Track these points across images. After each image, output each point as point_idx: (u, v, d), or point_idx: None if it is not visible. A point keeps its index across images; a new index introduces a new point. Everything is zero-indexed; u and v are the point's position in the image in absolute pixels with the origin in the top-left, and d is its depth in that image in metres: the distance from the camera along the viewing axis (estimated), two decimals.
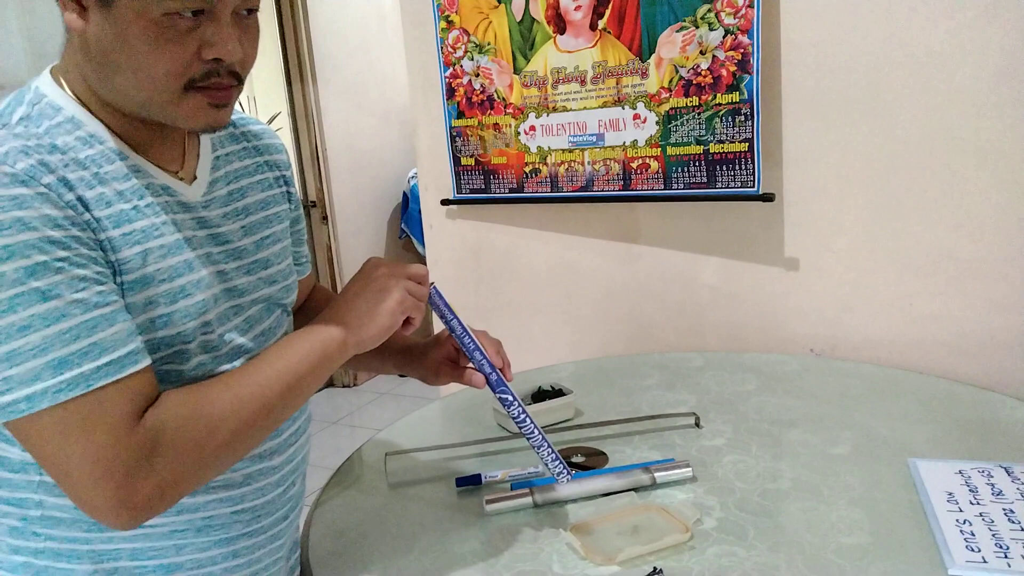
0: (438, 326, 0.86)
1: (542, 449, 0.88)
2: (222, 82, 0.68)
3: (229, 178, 0.81)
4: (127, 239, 0.67)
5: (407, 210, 3.83)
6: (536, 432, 0.88)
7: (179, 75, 0.66)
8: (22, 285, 0.59)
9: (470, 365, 0.90)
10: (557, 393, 1.24)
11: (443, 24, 1.76)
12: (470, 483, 1.03)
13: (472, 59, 1.73)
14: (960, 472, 0.94)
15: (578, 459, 1.07)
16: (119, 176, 0.68)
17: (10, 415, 0.61)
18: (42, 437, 0.61)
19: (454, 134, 1.81)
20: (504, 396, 0.88)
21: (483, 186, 1.81)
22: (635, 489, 0.97)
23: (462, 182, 1.84)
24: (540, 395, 1.24)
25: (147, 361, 0.66)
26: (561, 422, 1.20)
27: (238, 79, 0.69)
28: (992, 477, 0.92)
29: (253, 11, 0.70)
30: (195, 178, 0.77)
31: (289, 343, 0.74)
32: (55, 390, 0.60)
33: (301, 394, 0.74)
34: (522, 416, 0.88)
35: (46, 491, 0.70)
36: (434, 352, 0.94)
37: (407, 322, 0.81)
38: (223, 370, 0.74)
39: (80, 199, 0.64)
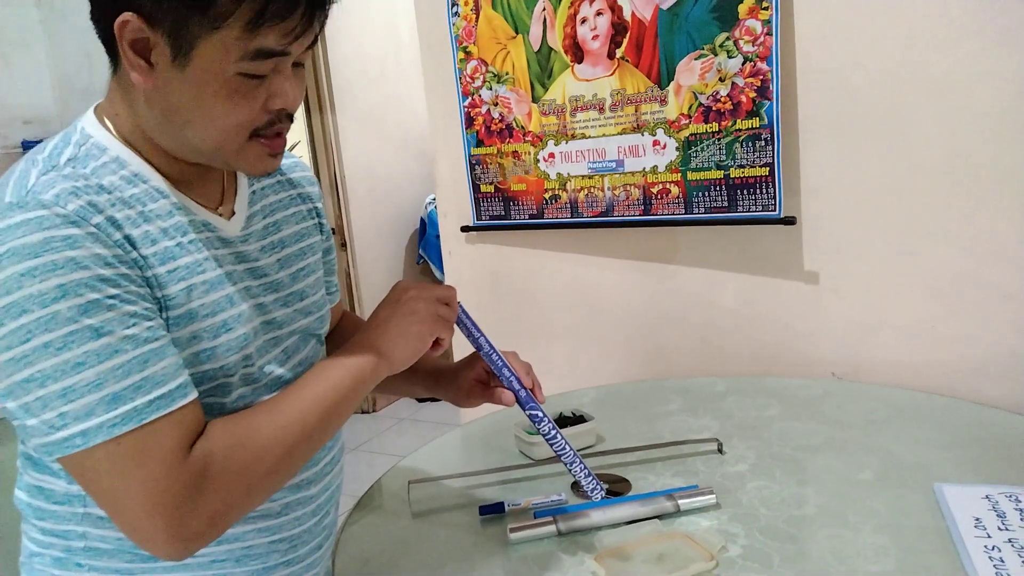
0: (461, 344, 0.87)
1: (574, 465, 0.89)
2: (283, 127, 0.71)
3: (265, 212, 0.83)
4: (172, 276, 0.68)
5: (424, 236, 3.87)
6: (567, 449, 0.88)
7: (248, 126, 0.69)
8: (76, 323, 0.60)
9: (500, 384, 0.91)
10: (578, 419, 1.24)
11: (461, 55, 1.79)
12: (493, 511, 1.03)
13: (490, 88, 1.76)
14: (987, 497, 0.93)
15: (603, 486, 1.07)
16: (163, 214, 0.70)
17: (66, 450, 0.62)
18: (96, 471, 0.62)
19: (473, 162, 1.84)
20: (534, 413, 0.88)
21: (503, 212, 1.83)
22: (659, 516, 0.96)
23: (482, 209, 1.86)
24: (561, 421, 1.24)
25: (195, 394, 0.67)
26: (583, 448, 1.20)
27: (292, 119, 0.73)
28: (1020, 502, 0.91)
29: (304, 62, 0.73)
30: (233, 213, 0.79)
31: (324, 369, 0.76)
32: (110, 425, 0.61)
33: (339, 418, 0.75)
34: (553, 433, 0.88)
35: (90, 523, 0.72)
36: (465, 374, 0.95)
37: (436, 343, 0.82)
38: (263, 400, 0.75)
39: (127, 238, 0.66)
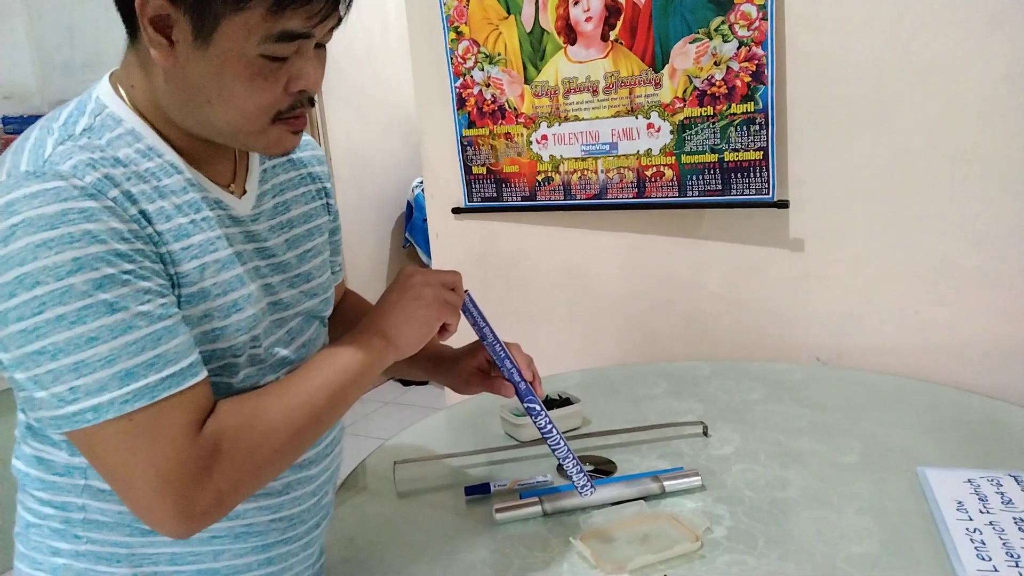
0: (463, 331, 0.87)
1: (567, 461, 0.89)
2: (304, 111, 0.70)
3: (275, 191, 0.82)
4: (186, 253, 0.68)
5: (411, 219, 3.84)
6: (561, 444, 0.88)
7: (270, 109, 0.68)
8: (90, 297, 0.59)
9: (500, 375, 0.90)
10: (565, 402, 1.24)
11: (452, 35, 1.77)
12: (479, 492, 1.03)
13: (482, 69, 1.74)
14: (969, 481, 0.94)
15: (587, 468, 1.07)
16: (177, 189, 0.69)
17: (76, 424, 0.61)
18: (106, 447, 0.62)
19: (465, 143, 1.82)
20: (532, 406, 0.88)
21: (495, 194, 1.82)
22: (644, 498, 0.97)
23: (473, 191, 1.85)
24: (548, 403, 1.24)
25: (205, 373, 0.66)
26: (569, 431, 1.21)
27: (313, 103, 0.72)
28: (1001, 486, 0.92)
29: (326, 42, 0.72)
30: (245, 192, 0.78)
31: (332, 353, 0.75)
32: (121, 401, 0.61)
33: (345, 402, 0.75)
34: (549, 427, 0.88)
35: (90, 495, 0.71)
36: (466, 362, 0.95)
37: (443, 328, 0.82)
38: (268, 382, 0.75)
39: (143, 213, 0.65)
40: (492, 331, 0.88)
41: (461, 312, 0.84)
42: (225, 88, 0.65)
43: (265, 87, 0.66)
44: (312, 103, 0.71)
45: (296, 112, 0.70)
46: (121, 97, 0.70)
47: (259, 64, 0.65)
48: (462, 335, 0.89)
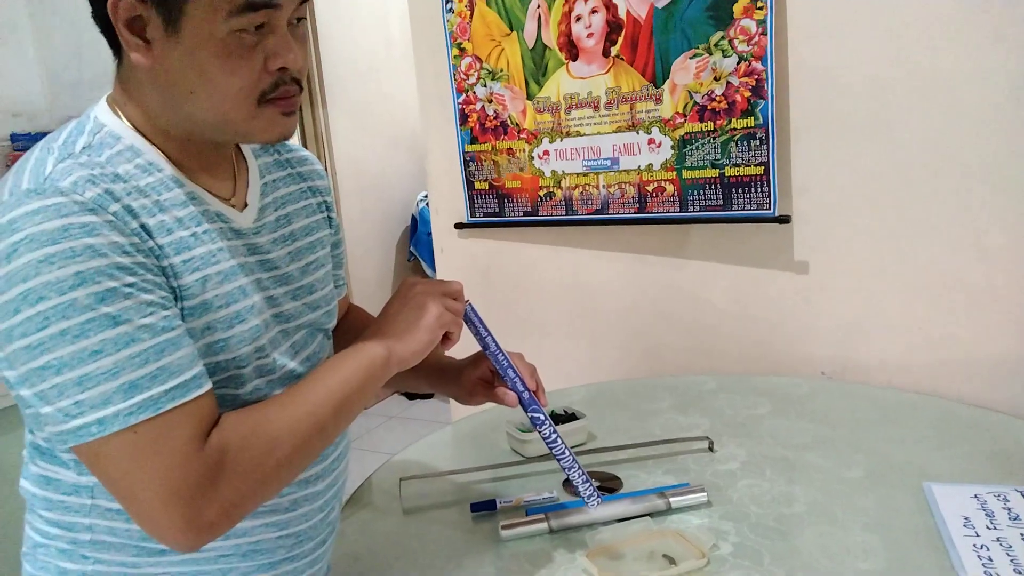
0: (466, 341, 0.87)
1: (572, 471, 0.88)
2: (289, 90, 0.71)
3: (277, 204, 0.83)
4: (187, 266, 0.68)
5: (416, 233, 3.86)
6: (567, 454, 0.88)
7: (251, 90, 0.68)
8: (93, 311, 0.60)
9: (504, 384, 0.90)
10: (570, 417, 1.24)
11: (455, 51, 1.78)
12: (485, 508, 1.03)
13: (485, 85, 1.76)
14: (976, 496, 0.94)
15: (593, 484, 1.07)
16: (177, 203, 0.70)
17: (81, 438, 0.61)
18: (111, 460, 0.62)
19: (468, 159, 1.83)
20: (536, 416, 0.88)
21: (497, 209, 1.83)
22: (651, 514, 0.97)
23: (476, 206, 1.86)
24: (553, 419, 1.23)
25: (209, 385, 0.67)
26: (574, 446, 1.20)
27: (300, 85, 0.72)
28: (1008, 501, 0.92)
29: (302, 19, 0.72)
30: (246, 205, 0.79)
31: (336, 363, 0.76)
32: (126, 413, 0.61)
33: (350, 412, 0.75)
34: (553, 437, 0.88)
35: (97, 515, 0.71)
36: (469, 372, 0.95)
37: (446, 338, 0.83)
38: (276, 394, 0.75)
39: (143, 227, 0.66)
40: (494, 340, 0.88)
41: (463, 322, 0.85)
42: (204, 73, 0.66)
43: (242, 65, 0.67)
44: (299, 85, 0.71)
45: (282, 92, 0.70)
46: (118, 116, 0.71)
47: (231, 43, 0.66)
48: (465, 346, 0.89)
